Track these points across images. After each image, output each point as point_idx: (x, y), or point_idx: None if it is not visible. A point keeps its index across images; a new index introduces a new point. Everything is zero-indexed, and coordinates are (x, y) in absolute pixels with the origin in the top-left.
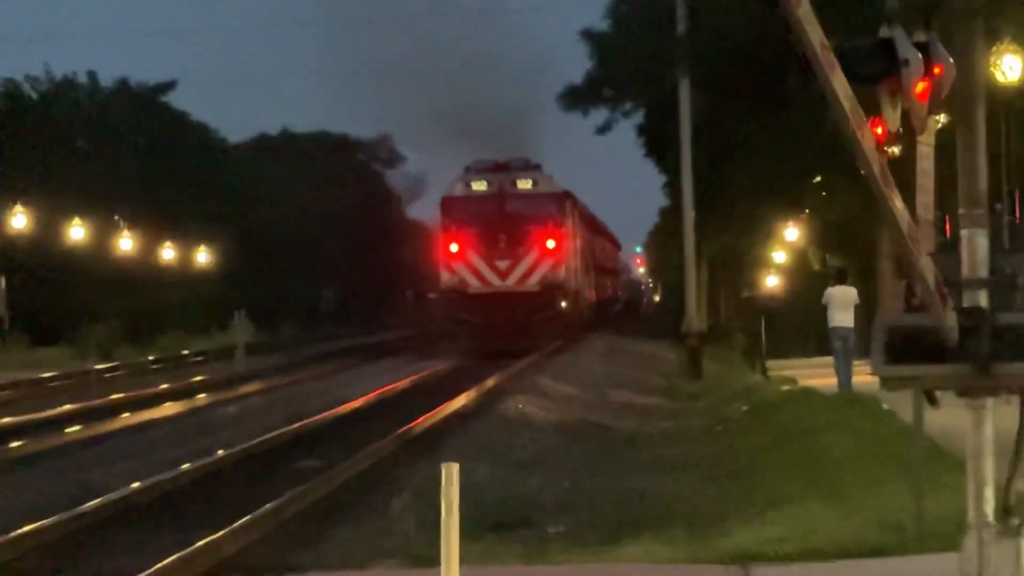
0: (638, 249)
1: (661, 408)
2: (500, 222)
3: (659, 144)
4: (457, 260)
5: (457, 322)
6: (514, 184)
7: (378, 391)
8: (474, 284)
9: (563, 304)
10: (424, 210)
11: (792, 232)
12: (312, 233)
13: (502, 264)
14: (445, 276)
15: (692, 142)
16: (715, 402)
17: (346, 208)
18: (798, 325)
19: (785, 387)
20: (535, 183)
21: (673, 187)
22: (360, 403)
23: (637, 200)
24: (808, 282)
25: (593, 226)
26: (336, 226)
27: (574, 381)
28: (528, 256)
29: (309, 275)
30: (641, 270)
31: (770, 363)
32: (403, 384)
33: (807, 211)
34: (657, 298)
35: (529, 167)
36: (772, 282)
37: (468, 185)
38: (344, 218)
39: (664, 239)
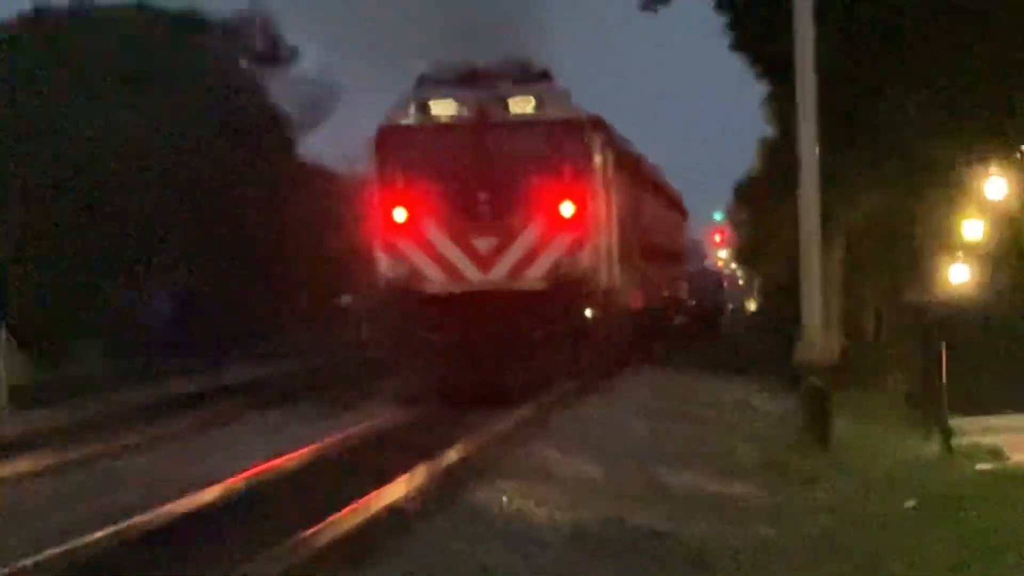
0: (717, 216)
1: (755, 502)
2: (480, 172)
3: (757, 25)
4: (405, 237)
5: (403, 344)
6: (503, 105)
7: (247, 473)
8: (435, 279)
9: (588, 313)
10: (336, 146)
11: (996, 186)
12: (128, 188)
13: (483, 244)
14: (384, 264)
15: (820, 20)
16: (854, 492)
17: (190, 143)
18: (1007, 354)
19: (984, 465)
20: (540, 103)
21: (782, 101)
22: (212, 497)
23: (712, 142)
24: (1022, 276)
25: (640, 178)
26: (170, 177)
27: (601, 452)
28: (527, 231)
29: (126, 264)
30: (723, 254)
31: (957, 421)
32: (295, 459)
33: (1023, 151)
34: (752, 304)
35: (528, 76)
36: (960, 277)
37: (425, 107)
38: (185, 161)
39: (763, 200)
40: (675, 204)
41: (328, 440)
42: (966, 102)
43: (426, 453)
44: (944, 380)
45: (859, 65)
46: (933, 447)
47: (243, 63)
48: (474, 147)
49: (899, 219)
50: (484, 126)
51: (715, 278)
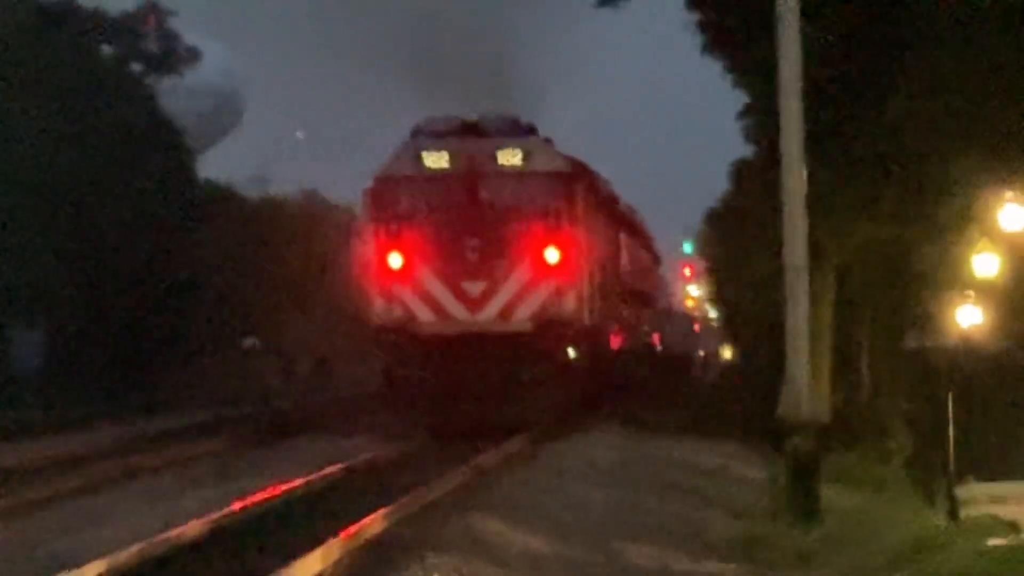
0: (687, 248)
1: None
2: (470, 220)
3: (734, 22)
4: (399, 281)
5: (395, 380)
6: (493, 157)
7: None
8: (427, 320)
9: (572, 353)
10: (235, 163)
11: (1014, 215)
12: None
13: (473, 288)
14: (380, 306)
15: (808, 15)
16: (847, 575)
17: (69, 157)
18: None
19: (996, 541)
20: (527, 156)
21: (763, 115)
22: None
23: (683, 163)
24: None
25: (617, 220)
26: (34, 198)
27: (552, 524)
28: (515, 275)
29: None
30: (693, 290)
31: (966, 489)
32: (178, 536)
33: None
34: (727, 351)
35: (516, 130)
36: (971, 319)
37: (418, 158)
38: (63, 176)
39: (740, 230)
40: (648, 245)
41: (224, 512)
42: (983, 114)
43: (342, 522)
44: (951, 440)
45: (854, 69)
46: (939, 519)
47: (136, 68)
48: (465, 197)
49: (899, 252)
50: (474, 177)
51: (686, 322)
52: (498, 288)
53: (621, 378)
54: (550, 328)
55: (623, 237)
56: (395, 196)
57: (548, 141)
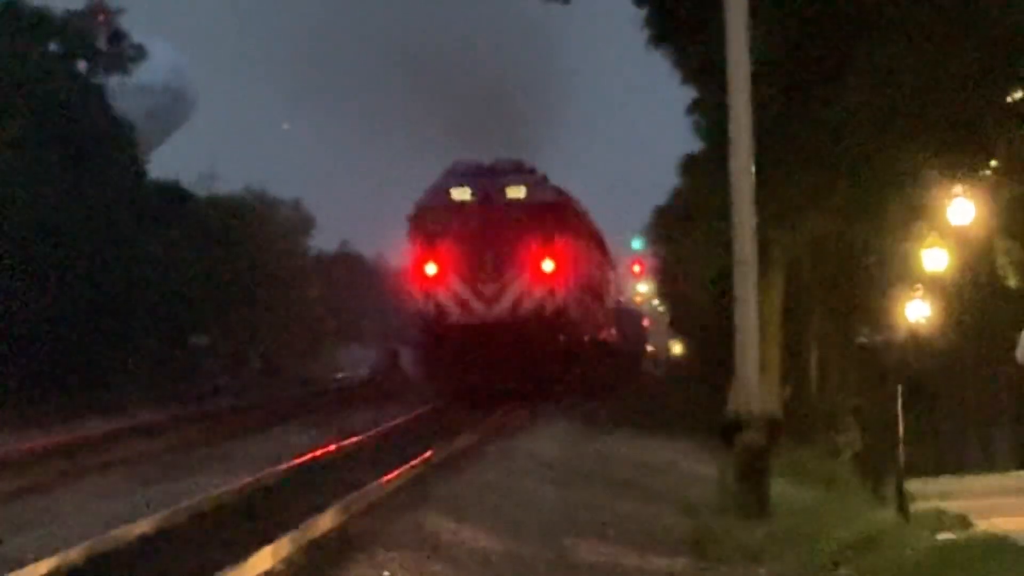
0: (636, 244)
1: None
2: (486, 238)
3: (681, 12)
4: (434, 284)
5: (430, 363)
6: (503, 192)
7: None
8: (455, 313)
9: (561, 337)
10: (183, 160)
11: (962, 210)
12: None
13: (489, 288)
14: (419, 303)
15: (756, 5)
16: (797, 569)
17: (14, 156)
18: (973, 405)
19: (945, 535)
20: (528, 191)
21: (711, 108)
22: None
23: (632, 158)
24: (994, 314)
25: (587, 233)
26: None
27: (500, 520)
28: (519, 279)
29: None
30: (642, 288)
31: (915, 484)
32: (126, 533)
33: (993, 166)
34: (677, 346)
35: (521, 171)
36: (920, 314)
37: (447, 193)
38: (8, 175)
39: (689, 225)
40: (606, 251)
41: (185, 503)
42: (930, 107)
43: (288, 523)
44: (901, 435)
45: (804, 60)
46: (889, 513)
47: (81, 65)
48: (482, 221)
49: (849, 247)
50: (489, 206)
51: (635, 317)
52: (507, 289)
53: (589, 363)
54: (546, 319)
55: (593, 249)
56: (430, 221)
57: (544, 178)
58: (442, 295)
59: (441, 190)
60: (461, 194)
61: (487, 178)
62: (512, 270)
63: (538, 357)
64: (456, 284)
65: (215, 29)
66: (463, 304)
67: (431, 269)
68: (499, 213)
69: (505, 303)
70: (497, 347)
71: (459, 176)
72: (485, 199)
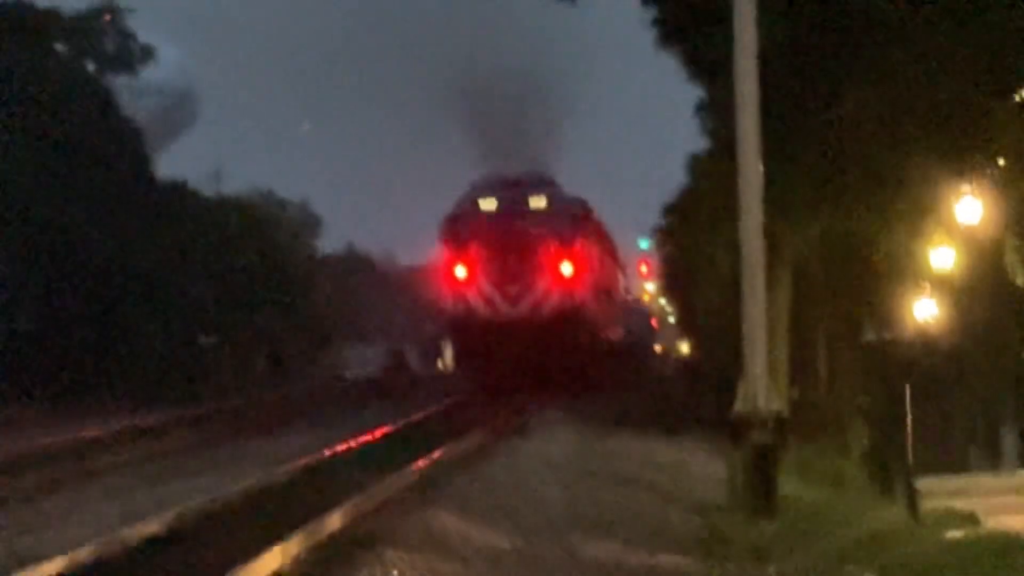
0: (643, 244)
1: None
2: (510, 244)
3: (689, 13)
4: (464, 286)
5: (463, 356)
6: (526, 202)
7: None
8: (483, 311)
9: (580, 334)
10: (190, 160)
11: (971, 208)
12: None
13: (513, 289)
14: (451, 303)
15: (764, 4)
16: (805, 568)
17: (25, 157)
18: (982, 403)
19: (955, 532)
20: (549, 201)
21: (719, 108)
22: None
23: (640, 158)
24: (1003, 313)
25: (601, 238)
26: None
27: (510, 519)
28: (541, 281)
29: None
30: (650, 287)
31: (924, 482)
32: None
33: (1001, 164)
34: (685, 346)
35: (542, 182)
36: (928, 312)
37: (476, 203)
38: (18, 175)
39: (696, 225)
40: (616, 254)
41: (194, 503)
42: (938, 105)
43: (300, 519)
44: (909, 434)
45: (813, 60)
46: (898, 512)
47: (89, 65)
48: (507, 228)
49: (856, 246)
50: (513, 215)
51: (644, 317)
52: (530, 290)
53: (605, 361)
54: (565, 315)
55: (606, 253)
56: (460, 228)
57: (562, 189)
58: (471, 295)
59: (469, 200)
60: (488, 204)
61: (511, 190)
62: (534, 273)
63: (557, 351)
64: (484, 285)
65: (227, 31)
66: (490, 303)
67: (461, 272)
68: (522, 221)
69: (528, 302)
70: (520, 342)
71: (486, 188)
72: (510, 208)
